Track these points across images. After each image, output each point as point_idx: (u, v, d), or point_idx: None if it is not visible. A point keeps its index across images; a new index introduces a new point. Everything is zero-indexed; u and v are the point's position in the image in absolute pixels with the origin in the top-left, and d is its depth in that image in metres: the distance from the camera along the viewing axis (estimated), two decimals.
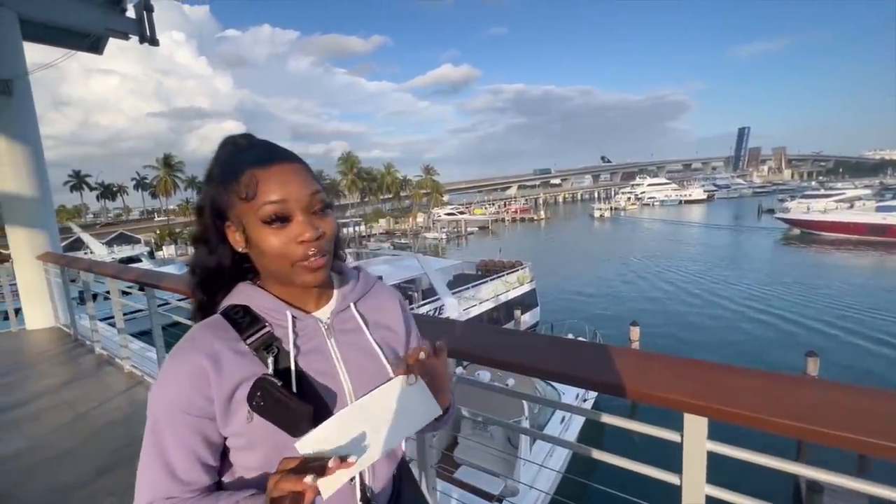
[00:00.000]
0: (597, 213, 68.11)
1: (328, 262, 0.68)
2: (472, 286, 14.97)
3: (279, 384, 0.62)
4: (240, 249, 0.68)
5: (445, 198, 78.33)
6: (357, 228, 51.61)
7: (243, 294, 0.70)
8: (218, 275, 0.72)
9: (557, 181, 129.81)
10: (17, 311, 5.60)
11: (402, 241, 45.76)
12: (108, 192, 68.45)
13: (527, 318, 16.54)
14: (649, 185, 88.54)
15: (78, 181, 65.45)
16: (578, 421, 8.64)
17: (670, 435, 1.09)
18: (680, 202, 79.57)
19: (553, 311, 18.15)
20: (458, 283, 15.51)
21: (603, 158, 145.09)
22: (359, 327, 0.75)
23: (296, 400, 0.62)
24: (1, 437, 2.97)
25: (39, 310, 5.38)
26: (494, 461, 7.49)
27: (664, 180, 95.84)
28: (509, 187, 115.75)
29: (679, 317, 17.12)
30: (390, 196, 69.84)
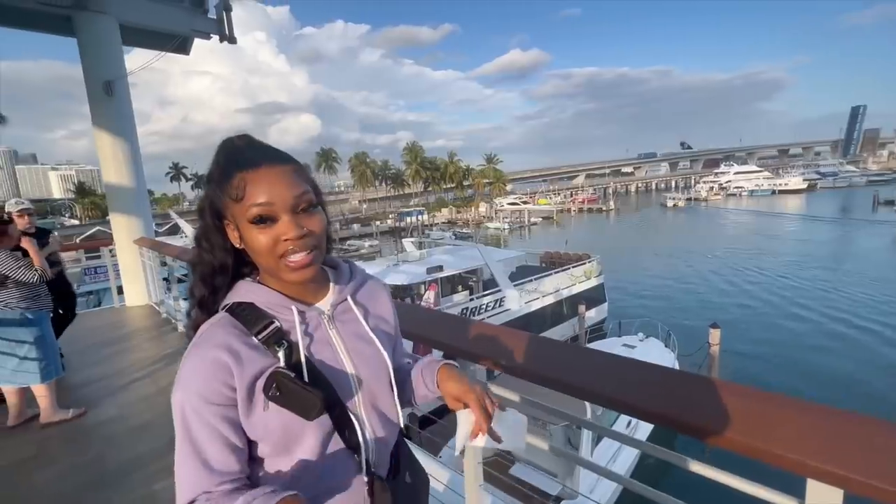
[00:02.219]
0: (669, 203, 63.18)
1: (316, 258, 0.71)
2: (535, 279, 14.50)
3: (293, 375, 0.67)
4: (238, 246, 0.73)
5: (509, 187, 77.09)
6: (420, 217, 52.45)
7: (246, 291, 0.74)
8: (221, 269, 0.75)
9: (629, 169, 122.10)
10: (120, 288, 6.30)
11: (464, 230, 45.77)
12: (201, 182, 75.84)
13: (592, 315, 15.74)
14: (736, 172, 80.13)
15: (176, 172, 73.18)
16: (647, 427, 8.06)
17: (780, 499, 0.85)
18: (773, 192, 71.04)
19: (622, 309, 17.12)
20: (521, 275, 15.08)
21: (683, 145, 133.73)
22: (356, 317, 0.81)
23: (309, 389, 0.67)
24: (97, 403, 3.30)
25: (136, 289, 5.99)
26: (552, 462, 7.23)
27: (754, 168, 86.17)
28: (576, 176, 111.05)
29: (768, 327, 15.03)
30: (453, 185, 70.13)
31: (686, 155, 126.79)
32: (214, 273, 0.75)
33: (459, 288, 14.08)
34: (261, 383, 0.67)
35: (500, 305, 13.25)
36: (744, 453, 0.81)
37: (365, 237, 45.04)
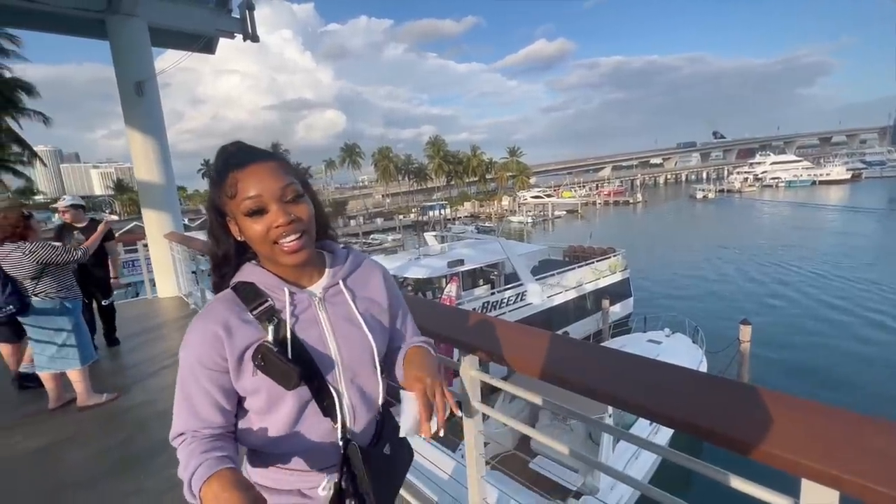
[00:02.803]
0: (699, 195, 60.92)
1: (306, 242, 0.80)
2: (558, 273, 14.31)
3: (276, 349, 0.78)
4: (239, 238, 0.83)
5: (532, 180, 76.10)
6: (442, 211, 52.49)
7: (249, 273, 0.85)
8: (226, 260, 0.87)
9: (658, 161, 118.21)
10: (152, 281, 6.59)
11: (487, 224, 45.53)
12: None
13: (617, 310, 15.43)
14: (773, 163, 76.41)
15: (207, 169, 75.10)
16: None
17: (774, 498, 0.82)
18: (813, 183, 67.45)
19: (648, 304, 16.71)
20: (544, 269, 14.88)
21: (715, 134, 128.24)
22: (346, 300, 0.88)
23: (287, 362, 0.77)
24: (130, 389, 3.48)
25: (167, 281, 6.26)
26: (576, 452, 7.16)
27: (793, 157, 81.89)
28: (602, 168, 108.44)
29: (798, 327, 14.33)
30: (476, 179, 69.76)
31: (719, 144, 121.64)
32: (222, 262, 0.87)
33: (481, 282, 14.04)
34: (250, 352, 0.78)
35: (521, 300, 13.16)
36: (737, 451, 0.79)
37: (388, 231, 45.47)
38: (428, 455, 2.13)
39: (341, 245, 0.96)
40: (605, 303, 14.74)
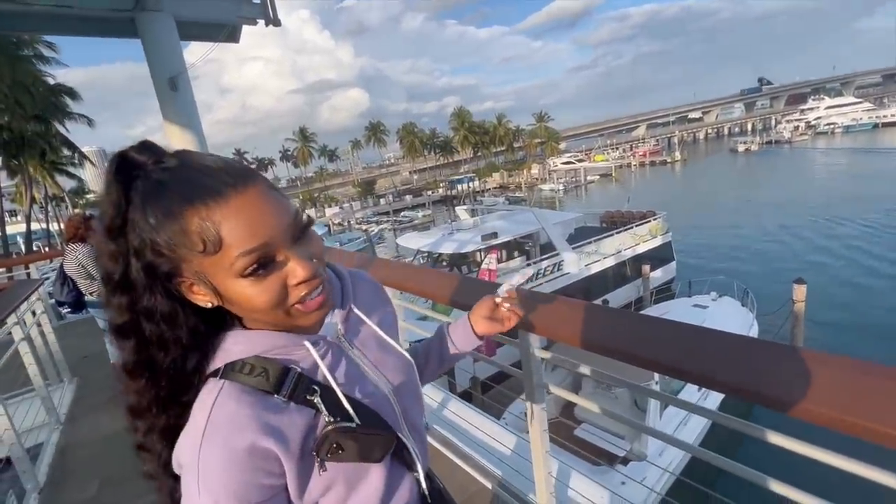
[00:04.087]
0: (741, 148, 57.22)
1: (328, 288, 0.57)
2: (595, 240, 13.96)
3: (353, 426, 0.56)
4: (208, 306, 0.54)
5: (562, 145, 73.72)
6: (471, 184, 52.04)
7: (242, 344, 0.56)
8: (193, 346, 0.55)
9: (697, 115, 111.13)
10: None
11: (517, 195, 44.80)
12: (261, 165, 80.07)
13: (658, 275, 14.94)
14: (828, 107, 70.32)
15: (239, 158, 77.68)
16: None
17: (884, 478, 0.77)
18: (875, 126, 61.72)
19: (692, 267, 16.08)
20: (580, 236, 14.51)
21: (761, 81, 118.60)
22: (364, 322, 0.69)
23: (374, 433, 0.58)
24: None
25: None
26: (618, 423, 7.15)
27: (852, 99, 74.95)
28: (636, 127, 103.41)
29: (861, 288, 13.29)
30: (503, 149, 68.34)
31: (764, 93, 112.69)
32: (183, 359, 0.55)
33: (516, 253, 13.93)
34: (308, 447, 0.55)
35: (558, 269, 12.98)
36: (832, 427, 0.75)
37: (418, 207, 45.61)
38: (482, 426, 2.17)
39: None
40: (646, 268, 14.32)
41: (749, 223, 22.01)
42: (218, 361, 0.56)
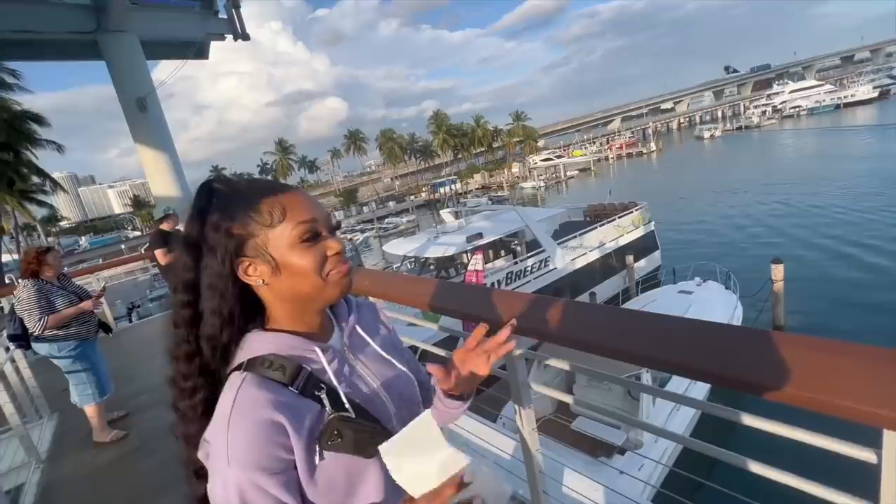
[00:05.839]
0: (706, 135, 58.90)
1: (351, 264, 0.71)
2: (580, 234, 14.09)
3: (352, 417, 0.66)
4: (261, 283, 0.67)
5: (541, 143, 74.44)
6: (453, 186, 52.10)
7: (263, 343, 0.68)
8: (231, 322, 0.67)
9: (669, 105, 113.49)
10: None
11: (499, 194, 45.04)
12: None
13: (643, 265, 15.15)
14: (792, 91, 72.57)
15: (217, 176, 76.39)
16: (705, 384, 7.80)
17: (854, 451, 0.79)
18: (837, 107, 63.87)
19: (676, 254, 16.36)
20: (566, 231, 14.61)
21: (727, 69, 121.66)
22: (367, 342, 0.79)
23: (368, 426, 0.67)
24: (162, 411, 3.61)
25: None
26: (614, 413, 7.21)
27: (813, 82, 77.52)
28: (611, 121, 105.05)
29: (833, 267, 13.62)
30: (483, 149, 68.67)
31: (731, 80, 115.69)
32: (224, 323, 0.67)
33: (502, 253, 13.97)
34: (314, 434, 0.64)
35: (544, 266, 13.08)
36: (809, 408, 0.76)
37: (402, 213, 45.53)
38: (474, 431, 2.17)
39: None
40: (629, 258, 14.52)
41: (727, 208, 22.52)
42: (241, 357, 0.67)
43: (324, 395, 0.66)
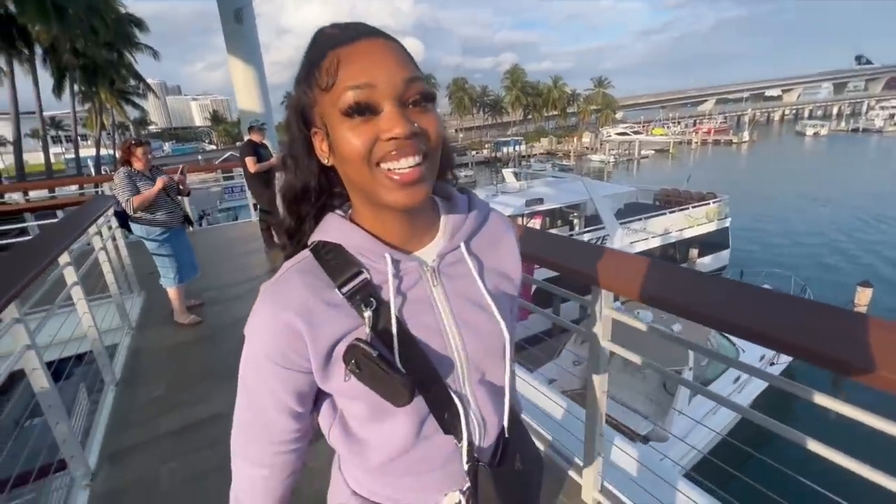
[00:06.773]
0: (809, 132, 52.34)
1: (428, 173, 0.52)
2: (646, 217, 13.31)
3: (375, 353, 0.54)
4: (326, 162, 0.56)
5: (619, 115, 69.52)
6: (517, 148, 50.36)
7: (334, 229, 0.59)
8: (305, 196, 0.61)
9: (776, 92, 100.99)
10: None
11: (564, 163, 43.09)
12: None
13: (707, 261, 14.18)
14: None
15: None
16: (759, 385, 7.41)
17: None
18: None
19: (748, 257, 15.17)
20: (630, 213, 13.87)
21: (859, 59, 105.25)
22: (469, 272, 0.62)
23: (395, 373, 0.54)
24: (228, 307, 3.88)
25: None
26: (645, 402, 7.10)
27: None
28: (703, 101, 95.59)
29: None
30: (555, 113, 65.29)
31: (860, 73, 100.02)
32: (297, 198, 0.61)
33: (559, 222, 13.57)
34: (341, 349, 0.56)
35: (601, 244, 12.60)
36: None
37: (460, 167, 44.97)
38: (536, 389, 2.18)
39: (460, 189, 0.67)
40: (694, 252, 13.64)
41: (817, 216, 20.33)
42: (315, 236, 0.61)
43: (369, 314, 0.55)
